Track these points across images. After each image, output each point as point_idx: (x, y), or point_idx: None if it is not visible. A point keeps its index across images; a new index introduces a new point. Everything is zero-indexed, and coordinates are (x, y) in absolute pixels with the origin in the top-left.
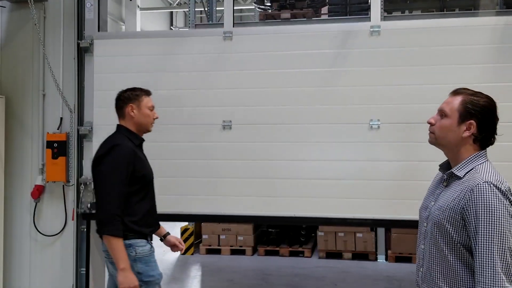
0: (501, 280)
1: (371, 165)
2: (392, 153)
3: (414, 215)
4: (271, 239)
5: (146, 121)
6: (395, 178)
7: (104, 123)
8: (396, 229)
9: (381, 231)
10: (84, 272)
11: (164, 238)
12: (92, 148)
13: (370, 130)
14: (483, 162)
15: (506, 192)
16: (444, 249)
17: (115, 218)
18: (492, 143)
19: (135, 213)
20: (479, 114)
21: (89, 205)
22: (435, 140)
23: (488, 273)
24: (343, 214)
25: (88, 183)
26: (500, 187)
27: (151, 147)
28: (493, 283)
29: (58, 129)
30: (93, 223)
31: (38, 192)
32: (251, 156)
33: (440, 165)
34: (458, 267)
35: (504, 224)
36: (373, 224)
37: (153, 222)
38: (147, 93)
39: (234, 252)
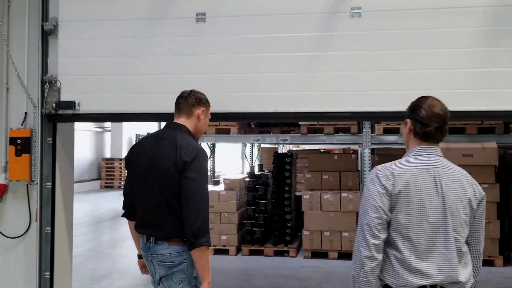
0: (364, 239)
1: None
2: None
3: None
4: (255, 238)
5: (203, 130)
6: None
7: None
8: None
9: None
10: (49, 276)
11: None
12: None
13: None
14: (408, 154)
15: (380, 178)
16: None
17: (208, 226)
18: (428, 133)
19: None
20: (411, 113)
21: (54, 105)
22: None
23: (359, 234)
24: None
25: (53, 81)
26: (377, 173)
27: None
28: (359, 241)
29: (22, 124)
30: (58, 224)
31: (0, 192)
32: None
33: None
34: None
35: (369, 200)
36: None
37: None
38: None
39: (217, 252)
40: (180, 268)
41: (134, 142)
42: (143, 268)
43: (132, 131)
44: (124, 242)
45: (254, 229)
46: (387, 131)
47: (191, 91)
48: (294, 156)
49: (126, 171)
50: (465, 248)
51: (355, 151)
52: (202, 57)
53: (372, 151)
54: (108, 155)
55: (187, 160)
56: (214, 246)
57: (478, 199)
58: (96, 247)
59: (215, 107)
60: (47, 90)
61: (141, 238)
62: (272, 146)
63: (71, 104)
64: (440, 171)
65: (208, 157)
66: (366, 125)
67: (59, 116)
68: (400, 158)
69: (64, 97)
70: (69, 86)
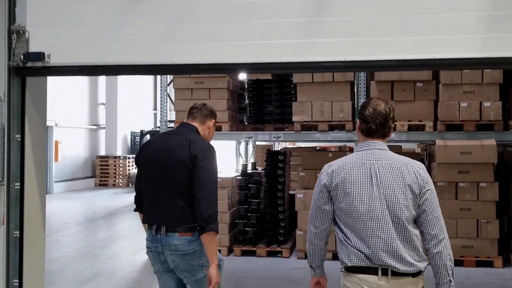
0: (308, 227)
1: None
2: None
3: None
4: (247, 238)
5: (209, 140)
6: None
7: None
8: None
9: None
10: (17, 284)
11: None
12: None
13: None
14: (355, 150)
15: (322, 174)
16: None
17: (217, 216)
18: (371, 129)
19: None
20: (359, 113)
21: (22, 57)
22: None
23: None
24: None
25: (21, 31)
26: (322, 170)
27: None
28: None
29: None
30: (27, 228)
31: None
32: None
33: None
34: None
35: (314, 195)
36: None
37: None
38: None
39: None
40: (195, 256)
41: (129, 140)
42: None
43: (128, 129)
44: (115, 242)
45: (246, 229)
46: None
47: (204, 104)
48: (287, 154)
49: (133, 168)
50: (412, 231)
51: (351, 149)
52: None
53: None
54: (102, 152)
55: (199, 152)
56: None
57: (420, 184)
58: (85, 247)
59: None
60: (14, 41)
61: (148, 231)
62: (267, 143)
63: (40, 56)
64: (376, 162)
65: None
66: None
67: (27, 69)
68: (399, 156)
69: (33, 48)
70: (38, 37)
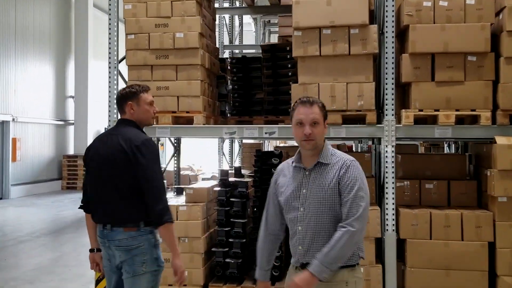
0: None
1: None
2: None
3: None
4: (229, 274)
5: (145, 117)
6: None
7: None
8: None
9: None
10: None
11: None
12: None
13: None
14: (330, 147)
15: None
16: (326, 218)
17: (168, 204)
18: None
19: None
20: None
21: None
22: (316, 145)
23: None
24: None
25: None
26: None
27: None
28: None
29: None
30: None
31: None
32: None
33: (296, 165)
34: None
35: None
36: None
37: None
38: (145, 89)
39: None
40: (138, 251)
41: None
42: (93, 263)
43: (101, 124)
44: (52, 273)
45: (228, 260)
46: (420, 121)
47: (119, 91)
48: (284, 156)
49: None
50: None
51: (349, 148)
52: None
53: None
54: (71, 151)
55: (135, 150)
56: (169, 285)
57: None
58: (41, 267)
59: None
60: None
61: (98, 227)
62: (255, 141)
63: None
64: None
65: (158, 149)
66: (389, 111)
67: None
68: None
69: None
70: None
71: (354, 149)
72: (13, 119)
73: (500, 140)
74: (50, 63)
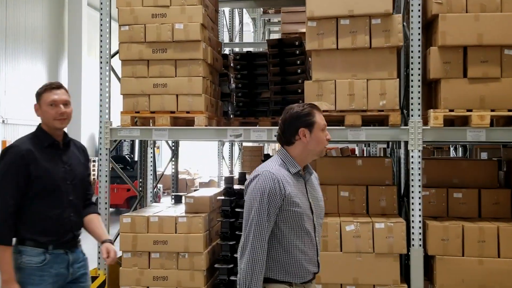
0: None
1: None
2: None
3: None
4: None
5: (46, 120)
6: None
7: None
8: None
9: None
10: None
11: (101, 244)
12: None
13: None
14: None
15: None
16: None
17: (4, 224)
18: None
19: (29, 219)
20: None
21: None
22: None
23: None
24: None
25: None
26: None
27: None
28: None
29: None
30: None
31: None
32: None
33: (297, 171)
34: None
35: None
36: None
37: (56, 231)
38: (49, 87)
39: None
40: None
41: (97, 139)
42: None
43: (95, 126)
44: None
45: (233, 278)
46: (449, 122)
47: None
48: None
49: None
50: None
51: (352, 151)
52: None
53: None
54: None
55: None
56: None
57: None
58: None
59: None
60: None
61: None
62: (256, 144)
63: None
64: None
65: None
66: (415, 112)
67: None
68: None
69: None
70: None
71: (357, 152)
72: (3, 121)
73: None
74: (42, 63)
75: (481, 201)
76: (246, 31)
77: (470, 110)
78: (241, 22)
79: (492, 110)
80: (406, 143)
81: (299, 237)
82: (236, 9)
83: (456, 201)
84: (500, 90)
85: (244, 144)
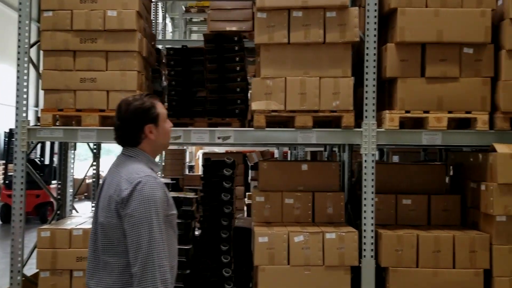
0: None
1: None
2: None
3: None
4: None
5: None
6: None
7: None
8: None
9: None
10: None
11: None
12: None
13: None
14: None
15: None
16: None
17: None
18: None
19: None
20: None
21: None
22: None
23: None
24: None
25: None
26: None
27: None
28: None
29: None
30: None
31: None
32: None
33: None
34: None
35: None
36: None
37: None
38: None
39: None
40: None
41: (1, 141)
42: None
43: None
44: None
45: None
46: (405, 124)
47: None
48: (236, 166)
49: None
50: (106, 254)
51: (272, 155)
52: None
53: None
54: None
55: None
56: None
57: (116, 200)
58: None
59: None
60: None
61: None
62: (179, 147)
63: None
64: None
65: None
66: (369, 113)
67: None
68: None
69: None
70: None
71: (278, 156)
72: None
73: (501, 148)
74: None
75: (431, 208)
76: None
77: (428, 112)
78: (164, 19)
79: (450, 112)
80: (351, 146)
81: (174, 243)
82: (159, 4)
83: (405, 208)
84: (459, 90)
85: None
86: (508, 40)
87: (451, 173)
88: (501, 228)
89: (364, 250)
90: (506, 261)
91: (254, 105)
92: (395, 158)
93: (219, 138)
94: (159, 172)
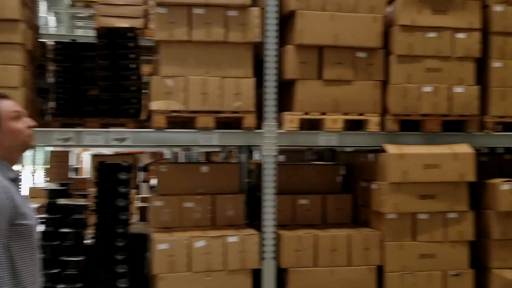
0: None
1: None
2: None
3: None
4: None
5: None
6: None
7: None
8: None
9: None
10: None
11: None
12: None
13: None
14: None
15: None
16: None
17: None
18: None
19: None
20: None
21: None
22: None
23: None
24: None
25: None
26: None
27: None
28: None
29: None
30: None
31: None
32: None
33: (15, 176)
34: None
35: None
36: None
37: None
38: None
39: None
40: None
41: None
42: None
43: None
44: None
45: None
46: (304, 126)
47: None
48: (133, 171)
49: None
50: None
51: (161, 155)
52: None
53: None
54: None
55: None
56: None
57: None
58: None
59: None
60: None
61: None
62: (63, 149)
63: None
64: None
65: None
66: (270, 114)
67: None
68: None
69: None
70: None
71: (169, 157)
72: None
73: (391, 149)
74: None
75: (326, 207)
76: (45, 27)
77: (325, 114)
78: (46, 13)
79: (345, 114)
80: (249, 147)
81: (31, 258)
82: None
83: (302, 207)
84: (353, 93)
85: (53, 148)
86: (397, 45)
87: (343, 173)
88: (392, 225)
89: (264, 252)
90: (397, 257)
91: (154, 105)
92: (281, 158)
93: (115, 140)
94: (45, 176)
